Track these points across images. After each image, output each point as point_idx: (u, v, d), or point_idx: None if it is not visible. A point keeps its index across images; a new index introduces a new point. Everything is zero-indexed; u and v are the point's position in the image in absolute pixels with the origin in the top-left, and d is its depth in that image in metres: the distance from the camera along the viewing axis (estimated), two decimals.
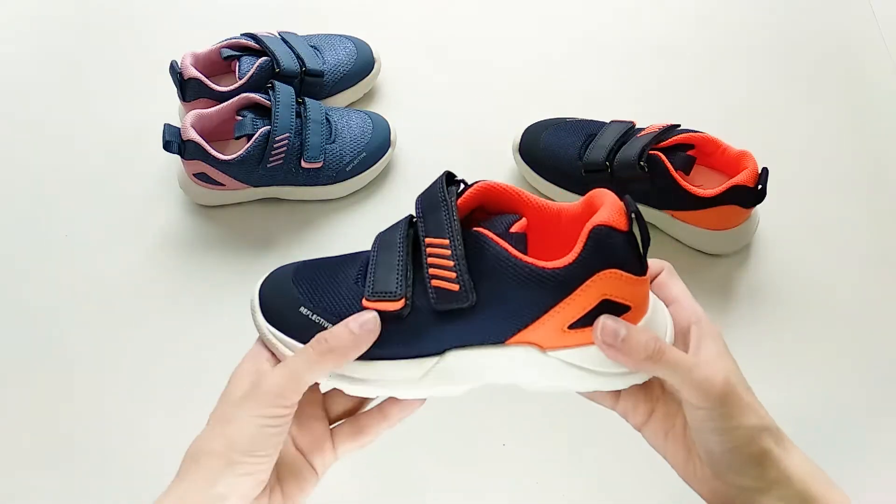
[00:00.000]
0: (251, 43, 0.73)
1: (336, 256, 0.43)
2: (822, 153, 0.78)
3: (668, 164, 0.65)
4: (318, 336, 0.38)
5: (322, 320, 0.39)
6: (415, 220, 0.40)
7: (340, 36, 0.79)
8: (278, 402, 0.37)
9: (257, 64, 0.71)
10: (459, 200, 0.39)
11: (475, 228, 0.38)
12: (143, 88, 0.81)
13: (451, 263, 0.37)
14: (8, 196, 0.75)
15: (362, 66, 0.78)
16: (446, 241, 0.37)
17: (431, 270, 0.37)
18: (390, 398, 0.43)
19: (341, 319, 0.38)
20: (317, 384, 0.40)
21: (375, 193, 0.75)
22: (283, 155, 0.68)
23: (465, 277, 0.36)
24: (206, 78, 0.70)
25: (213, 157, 0.66)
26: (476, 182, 0.41)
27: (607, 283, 0.36)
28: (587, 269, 0.36)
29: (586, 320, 0.37)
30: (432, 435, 0.61)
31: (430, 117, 0.79)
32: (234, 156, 0.67)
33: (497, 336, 0.38)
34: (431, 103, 0.81)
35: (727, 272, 0.70)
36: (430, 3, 0.89)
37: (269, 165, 0.68)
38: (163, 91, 0.77)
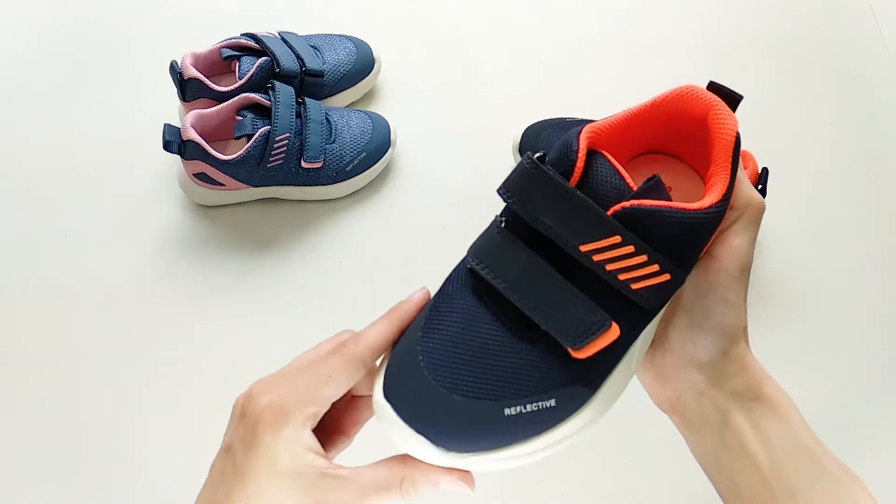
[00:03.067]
0: (251, 43, 0.73)
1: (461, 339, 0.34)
2: (822, 153, 0.78)
3: None
4: None
5: (542, 403, 0.32)
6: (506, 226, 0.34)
7: (340, 36, 0.79)
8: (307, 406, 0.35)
9: (257, 64, 0.71)
10: (577, 168, 0.32)
11: (620, 206, 0.31)
12: (143, 88, 0.81)
13: (644, 256, 0.31)
14: (8, 196, 0.75)
15: (362, 66, 0.78)
16: (615, 239, 0.31)
17: (621, 276, 0.31)
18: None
19: (555, 389, 0.33)
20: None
21: (375, 193, 0.75)
22: (283, 155, 0.68)
23: (666, 261, 0.31)
24: (206, 78, 0.70)
25: (213, 157, 0.66)
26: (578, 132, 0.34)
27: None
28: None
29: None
30: None
31: (430, 117, 0.79)
32: (234, 156, 0.67)
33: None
34: (431, 103, 0.81)
35: None
36: (430, 3, 0.88)
37: (269, 165, 0.68)
38: (163, 91, 0.77)
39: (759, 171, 0.65)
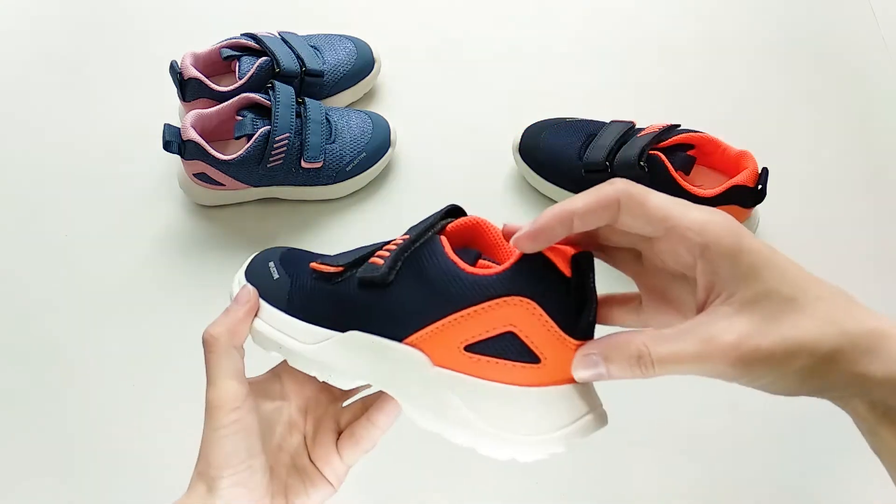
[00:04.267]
0: (251, 43, 0.73)
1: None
2: (822, 153, 0.78)
3: (668, 164, 0.65)
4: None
5: (275, 272, 0.42)
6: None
7: (340, 36, 0.79)
8: (220, 411, 0.39)
9: (257, 64, 0.71)
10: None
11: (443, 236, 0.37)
12: (143, 88, 0.81)
13: (394, 247, 0.37)
14: (8, 196, 0.75)
15: (362, 66, 0.78)
16: (408, 236, 0.37)
17: (379, 252, 0.37)
18: (375, 406, 0.43)
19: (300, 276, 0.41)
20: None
21: (375, 193, 0.75)
22: (283, 155, 0.68)
23: (392, 257, 0.36)
24: (206, 78, 0.70)
25: (213, 157, 0.66)
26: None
27: (518, 312, 0.32)
28: (503, 286, 0.33)
29: (486, 348, 0.33)
30: (432, 435, 0.61)
31: (430, 117, 0.79)
32: (234, 156, 0.67)
33: (396, 331, 0.36)
34: (431, 103, 0.81)
35: None
36: (430, 3, 0.89)
37: (269, 165, 0.68)
38: (163, 91, 0.77)
39: (759, 171, 0.65)
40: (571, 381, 0.33)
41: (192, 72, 0.69)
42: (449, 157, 0.76)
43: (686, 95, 0.81)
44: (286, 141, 0.67)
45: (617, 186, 0.32)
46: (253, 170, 0.68)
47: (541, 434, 0.33)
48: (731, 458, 0.61)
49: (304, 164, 0.69)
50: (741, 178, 0.64)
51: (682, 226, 0.31)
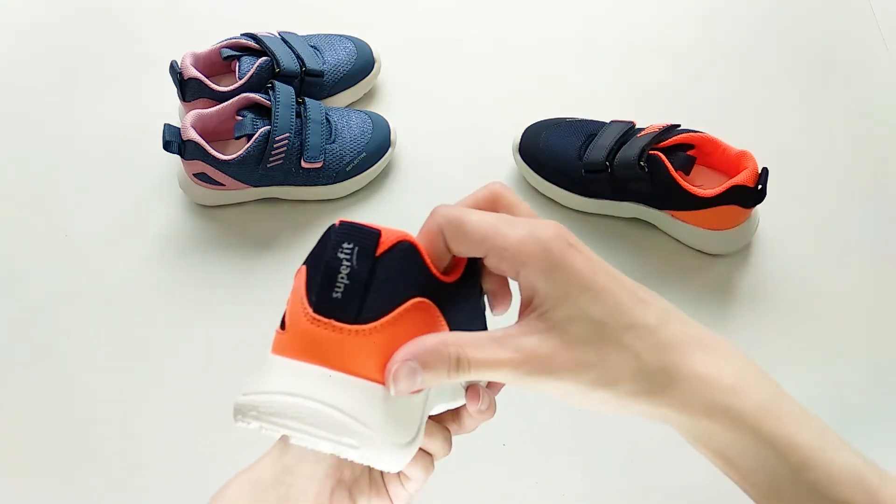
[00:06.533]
0: (251, 43, 0.73)
1: None
2: (821, 153, 0.78)
3: (668, 164, 0.65)
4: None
5: None
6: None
7: (340, 36, 0.79)
8: None
9: (257, 64, 0.71)
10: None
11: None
12: (143, 88, 0.81)
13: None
14: (8, 196, 0.75)
15: (362, 66, 0.78)
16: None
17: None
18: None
19: None
20: None
21: (375, 193, 0.75)
22: (283, 155, 0.68)
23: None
24: (206, 78, 0.70)
25: (213, 157, 0.66)
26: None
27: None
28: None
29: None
30: None
31: (430, 117, 0.79)
32: (234, 156, 0.67)
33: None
34: (431, 103, 0.81)
35: (727, 272, 0.70)
36: (430, 3, 0.89)
37: (269, 165, 0.68)
38: (163, 91, 0.77)
39: (759, 171, 0.65)
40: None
41: (192, 72, 0.69)
42: (449, 156, 0.76)
43: (686, 95, 0.81)
44: (286, 141, 0.67)
45: (437, 214, 0.33)
46: (253, 170, 0.68)
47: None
48: None
49: (304, 164, 0.69)
50: (741, 178, 0.64)
51: (498, 246, 0.31)
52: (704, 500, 0.59)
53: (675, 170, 0.65)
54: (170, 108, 0.77)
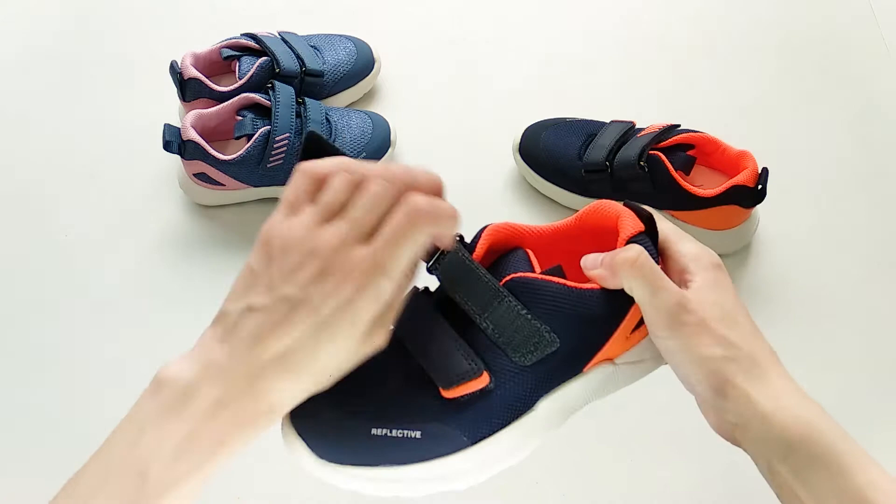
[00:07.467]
0: (251, 43, 0.73)
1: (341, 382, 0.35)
2: (822, 153, 0.78)
3: (668, 164, 0.65)
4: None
5: (406, 432, 0.36)
6: (426, 291, 0.40)
7: (340, 36, 0.79)
8: None
9: (257, 64, 0.71)
10: (475, 254, 0.39)
11: (510, 276, 0.37)
12: (143, 88, 0.81)
13: (514, 316, 0.36)
14: (8, 196, 0.75)
15: (362, 66, 0.78)
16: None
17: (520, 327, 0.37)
18: None
19: (422, 423, 0.36)
20: None
21: None
22: (283, 155, 0.68)
23: (536, 326, 0.36)
24: (206, 78, 0.70)
25: (213, 157, 0.66)
26: (483, 229, 0.40)
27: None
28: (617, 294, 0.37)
29: (641, 320, 0.38)
30: None
31: (430, 117, 0.79)
32: (234, 156, 0.67)
33: (577, 367, 0.38)
34: (431, 103, 0.81)
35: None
36: (430, 3, 0.89)
37: (269, 165, 0.68)
38: (163, 91, 0.77)
39: (759, 171, 0.65)
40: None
41: (192, 72, 0.69)
42: (449, 156, 0.76)
43: (686, 95, 0.81)
44: (286, 141, 0.67)
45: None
46: (253, 170, 0.68)
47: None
48: (732, 459, 0.61)
49: None
50: (741, 178, 0.64)
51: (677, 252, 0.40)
52: (705, 500, 0.59)
53: (675, 170, 0.65)
54: (170, 108, 0.77)
